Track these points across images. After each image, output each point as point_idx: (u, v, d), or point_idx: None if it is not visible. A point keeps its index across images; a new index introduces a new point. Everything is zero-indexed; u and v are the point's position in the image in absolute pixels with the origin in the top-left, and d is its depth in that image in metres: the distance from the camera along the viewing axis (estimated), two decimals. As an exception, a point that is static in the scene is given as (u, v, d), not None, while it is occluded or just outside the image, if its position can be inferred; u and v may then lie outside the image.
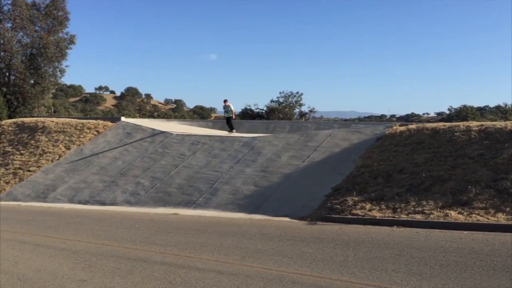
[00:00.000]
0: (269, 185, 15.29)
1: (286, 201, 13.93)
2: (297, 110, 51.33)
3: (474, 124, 15.42)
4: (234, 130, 22.83)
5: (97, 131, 24.51)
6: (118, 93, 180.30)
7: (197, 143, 20.51)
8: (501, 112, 60.53)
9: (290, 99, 50.93)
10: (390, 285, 6.01)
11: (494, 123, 15.67)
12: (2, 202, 18.62)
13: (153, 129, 23.42)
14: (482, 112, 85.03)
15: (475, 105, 76.46)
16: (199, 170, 17.74)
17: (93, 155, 21.70)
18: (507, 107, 61.43)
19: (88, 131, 24.57)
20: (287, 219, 12.35)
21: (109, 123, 25.38)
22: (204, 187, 16.24)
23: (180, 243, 9.39)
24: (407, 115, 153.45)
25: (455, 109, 72.87)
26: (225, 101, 23.16)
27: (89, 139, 23.67)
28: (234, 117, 23.32)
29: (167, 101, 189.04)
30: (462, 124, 15.59)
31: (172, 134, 22.16)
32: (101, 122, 25.71)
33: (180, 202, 15.60)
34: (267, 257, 7.90)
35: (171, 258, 8.11)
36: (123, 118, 26.65)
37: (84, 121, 26.38)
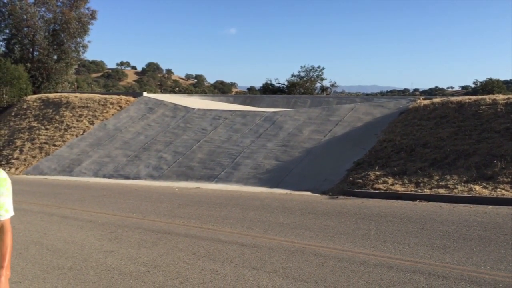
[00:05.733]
0: (290, 160, 15.31)
1: (308, 176, 13.95)
2: (318, 84, 50.70)
3: (500, 97, 15.07)
4: None
5: (119, 106, 24.76)
6: (139, 69, 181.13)
7: (218, 118, 20.57)
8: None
9: (311, 74, 50.27)
10: (413, 258, 6.01)
11: (521, 96, 15.29)
12: (30, 176, 19.11)
13: (175, 104, 23.54)
14: (508, 85, 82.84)
15: (501, 78, 74.45)
16: (220, 144, 17.83)
17: (116, 130, 21.96)
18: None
19: (111, 106, 24.84)
20: (308, 193, 12.39)
21: (132, 98, 25.60)
22: (226, 161, 16.34)
23: (203, 216, 9.52)
24: (430, 89, 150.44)
25: (480, 82, 71.02)
26: None
27: (112, 114, 23.94)
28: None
29: (188, 76, 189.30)
30: (488, 98, 15.25)
31: (194, 109, 22.25)
32: (123, 97, 25.94)
33: (202, 176, 15.76)
34: (289, 230, 7.97)
35: (194, 230, 8.24)
36: (145, 93, 26.83)
37: (107, 96, 26.64)
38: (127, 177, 17.02)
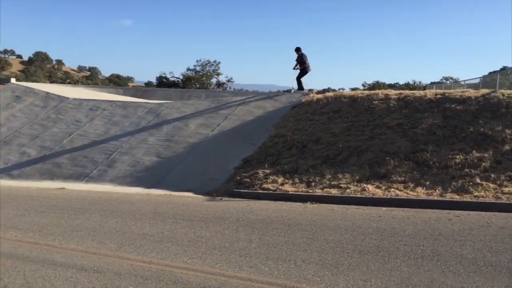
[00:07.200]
0: (174, 156, 13.64)
1: (192, 174, 12.40)
2: (214, 79, 49.27)
3: (393, 92, 14.66)
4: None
5: (-20, 93, 21.28)
6: (25, 58, 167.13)
7: (96, 108, 18.23)
8: (409, 89, 62.46)
9: (207, 68, 48.76)
10: (299, 284, 4.68)
11: (413, 91, 15.04)
12: None
13: (47, 93, 20.65)
14: (393, 88, 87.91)
15: (387, 82, 78.55)
16: (96, 138, 15.63)
17: (-28, 120, 18.69)
18: (415, 84, 63.55)
19: (-31, 93, 21.27)
20: (190, 194, 10.83)
21: (-4, 85, 22.17)
22: (100, 158, 14.25)
23: (48, 226, 7.54)
24: (323, 89, 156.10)
25: (368, 84, 74.41)
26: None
27: (-30, 103, 20.46)
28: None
29: (81, 68, 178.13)
30: (380, 92, 14.77)
31: (68, 98, 19.62)
32: (-14, 83, 22.40)
33: (71, 174, 13.55)
34: (151, 244, 6.32)
35: (26, 248, 6.28)
36: (13, 80, 23.42)
37: (-34, 82, 22.88)
38: (-23, 176, 14.20)
